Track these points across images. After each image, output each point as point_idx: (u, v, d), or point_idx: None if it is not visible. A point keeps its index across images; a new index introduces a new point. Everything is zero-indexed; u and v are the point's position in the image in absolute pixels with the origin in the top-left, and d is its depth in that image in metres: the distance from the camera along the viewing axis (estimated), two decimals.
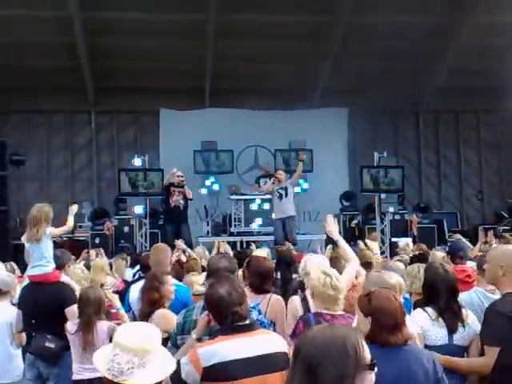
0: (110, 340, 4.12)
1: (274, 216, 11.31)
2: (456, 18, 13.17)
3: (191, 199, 11.50)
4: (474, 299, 4.08)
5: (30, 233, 4.94)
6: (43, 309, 4.75)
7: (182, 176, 11.38)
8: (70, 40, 13.21)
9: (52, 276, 4.97)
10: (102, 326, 4.22)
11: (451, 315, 3.47)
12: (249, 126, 14.43)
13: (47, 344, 4.59)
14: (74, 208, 5.40)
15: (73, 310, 4.65)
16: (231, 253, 7.13)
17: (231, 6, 12.53)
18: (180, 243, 7.18)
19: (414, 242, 10.25)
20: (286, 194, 11.19)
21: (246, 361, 2.77)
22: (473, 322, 3.53)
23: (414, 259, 6.05)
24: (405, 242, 9.42)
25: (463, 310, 3.55)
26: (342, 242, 4.51)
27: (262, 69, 14.20)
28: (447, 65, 14.37)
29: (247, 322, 2.94)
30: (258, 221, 12.50)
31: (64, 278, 5.08)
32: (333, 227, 4.55)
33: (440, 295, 3.50)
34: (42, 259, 4.91)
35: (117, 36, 13.25)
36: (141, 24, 12.87)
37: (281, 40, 13.38)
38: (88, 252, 7.62)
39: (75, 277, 5.24)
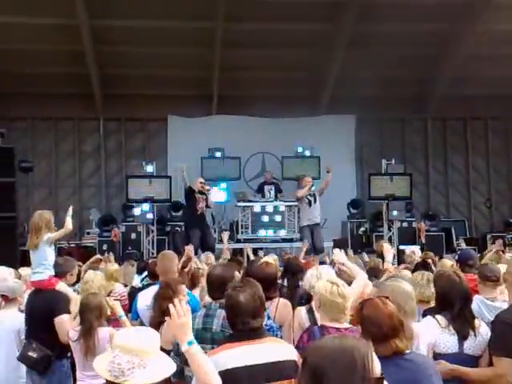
0: None
1: (301, 222, 11.33)
2: (465, 26, 13.15)
3: (210, 207, 11.81)
4: (474, 307, 4.07)
5: (30, 240, 4.94)
6: (35, 316, 4.72)
7: (205, 183, 11.63)
8: (79, 47, 13.29)
9: (47, 283, 4.91)
10: (104, 332, 4.17)
11: (463, 323, 3.43)
12: (256, 132, 14.45)
13: (30, 353, 4.53)
14: (71, 209, 5.29)
15: (61, 320, 4.60)
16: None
17: (239, 14, 12.57)
18: (190, 249, 7.15)
19: (422, 250, 10.20)
20: (315, 201, 11.25)
21: (254, 368, 2.77)
22: (484, 332, 3.50)
23: (418, 267, 6.01)
24: (410, 249, 9.36)
25: (476, 320, 3.53)
26: (352, 268, 4.49)
27: (269, 76, 14.24)
28: (455, 72, 14.34)
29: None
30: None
31: (60, 286, 5.00)
32: (343, 259, 4.55)
33: (454, 303, 3.47)
34: (39, 266, 4.87)
35: (125, 43, 13.32)
36: (149, 32, 12.94)
37: (288, 47, 13.41)
38: (101, 260, 7.58)
39: (97, 283, 5.18)
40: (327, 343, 1.76)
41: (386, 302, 2.74)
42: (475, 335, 3.44)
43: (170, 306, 2.56)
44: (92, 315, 4.19)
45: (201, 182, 11.53)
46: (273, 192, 12.81)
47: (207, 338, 3.35)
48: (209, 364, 2.52)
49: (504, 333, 3.14)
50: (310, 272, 4.40)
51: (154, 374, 2.10)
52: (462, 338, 3.40)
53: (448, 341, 3.40)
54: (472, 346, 3.44)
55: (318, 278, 4.15)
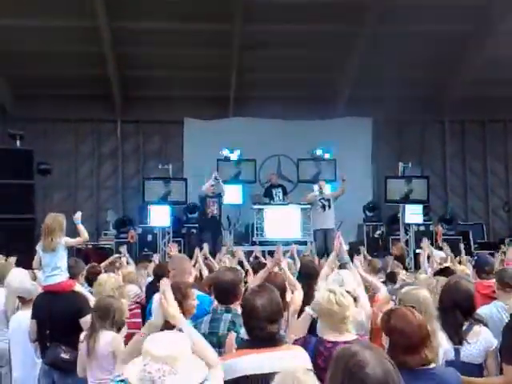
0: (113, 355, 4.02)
1: (313, 226, 11.29)
2: (483, 28, 13.03)
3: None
4: (494, 313, 4.03)
5: (45, 242, 4.97)
6: (58, 319, 4.73)
7: (213, 185, 11.71)
8: (98, 49, 13.42)
9: (66, 286, 4.96)
10: (107, 336, 4.09)
11: (453, 331, 3.40)
12: (272, 135, 14.45)
13: (63, 355, 4.57)
14: (78, 216, 5.31)
15: (87, 321, 4.58)
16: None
17: (256, 17, 12.59)
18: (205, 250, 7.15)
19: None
20: (329, 206, 11.21)
21: (267, 376, 2.74)
22: (485, 338, 3.46)
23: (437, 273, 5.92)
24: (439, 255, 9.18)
25: (475, 327, 3.48)
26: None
27: (286, 78, 14.23)
28: (474, 74, 14.21)
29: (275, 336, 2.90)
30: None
31: (78, 287, 5.08)
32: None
33: (446, 310, 3.47)
34: (56, 269, 4.91)
35: (143, 46, 13.42)
36: (167, 34, 13.01)
37: (305, 49, 13.40)
38: (120, 258, 7.59)
39: (110, 285, 5.18)
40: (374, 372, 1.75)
41: (414, 312, 2.73)
42: (469, 343, 3.42)
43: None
44: (97, 317, 4.15)
45: (212, 185, 11.70)
46: (281, 194, 12.81)
47: (214, 343, 3.34)
48: (204, 340, 2.63)
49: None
50: (332, 277, 4.27)
51: (186, 380, 2.09)
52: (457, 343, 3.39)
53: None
54: (469, 354, 3.40)
55: (341, 285, 4.01)
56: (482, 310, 4.05)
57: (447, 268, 6.23)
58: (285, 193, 13.21)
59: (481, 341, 3.44)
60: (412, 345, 2.56)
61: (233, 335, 3.13)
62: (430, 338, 2.67)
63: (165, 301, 2.62)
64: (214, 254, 8.26)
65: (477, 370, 3.36)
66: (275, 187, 13.21)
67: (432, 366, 2.65)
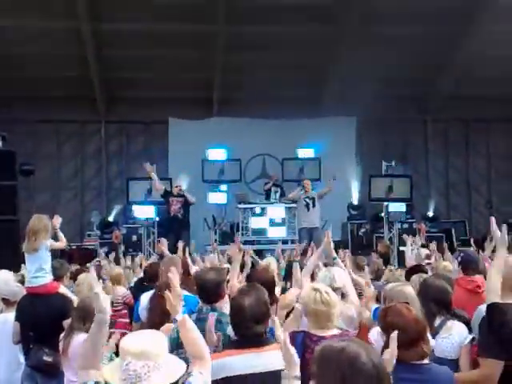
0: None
1: (298, 224, 11.30)
2: (467, 27, 13.17)
3: (192, 203, 11.60)
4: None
5: (28, 242, 4.92)
6: (42, 321, 4.68)
7: (178, 186, 11.63)
8: (81, 50, 13.36)
9: (51, 287, 4.92)
10: (80, 337, 4.01)
11: (428, 324, 3.45)
12: (257, 134, 14.50)
13: (45, 358, 4.51)
14: (56, 222, 5.23)
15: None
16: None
17: (240, 17, 12.62)
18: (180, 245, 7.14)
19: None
20: (314, 205, 11.23)
21: (254, 376, 2.77)
22: (458, 333, 3.48)
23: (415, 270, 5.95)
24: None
25: (449, 322, 3.52)
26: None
27: (270, 78, 14.25)
28: (457, 73, 14.38)
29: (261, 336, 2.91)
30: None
31: (63, 289, 5.04)
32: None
33: (421, 303, 3.51)
34: (40, 270, 4.87)
35: (127, 46, 13.37)
36: (150, 34, 12.99)
37: (289, 50, 13.46)
38: (99, 261, 7.57)
39: (87, 285, 5.16)
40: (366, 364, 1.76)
41: (409, 308, 2.78)
42: (442, 338, 3.46)
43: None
44: (78, 318, 4.12)
45: (176, 186, 11.62)
46: (278, 194, 12.88)
47: None
48: (199, 334, 2.62)
49: (488, 332, 3.16)
50: (323, 273, 4.21)
51: (169, 374, 2.11)
52: None
53: None
54: (442, 349, 3.43)
55: (332, 281, 4.01)
56: (482, 308, 4.04)
57: (419, 266, 6.27)
58: (282, 194, 13.23)
59: (453, 336, 3.46)
60: (409, 339, 2.61)
61: (213, 316, 3.13)
62: (426, 332, 2.73)
63: (172, 290, 2.66)
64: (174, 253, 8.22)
65: (451, 365, 3.40)
66: (275, 186, 13.28)
67: (427, 361, 2.70)
